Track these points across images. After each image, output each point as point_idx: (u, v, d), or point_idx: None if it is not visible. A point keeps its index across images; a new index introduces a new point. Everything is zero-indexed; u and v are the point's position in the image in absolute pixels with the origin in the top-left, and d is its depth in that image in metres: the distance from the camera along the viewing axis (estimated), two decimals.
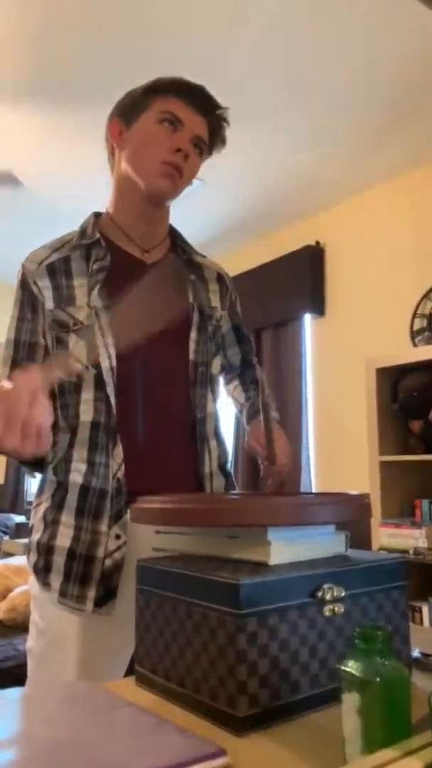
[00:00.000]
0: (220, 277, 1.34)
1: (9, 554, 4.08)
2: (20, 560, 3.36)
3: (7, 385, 0.88)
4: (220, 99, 1.19)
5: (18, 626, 2.85)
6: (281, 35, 2.30)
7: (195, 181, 1.26)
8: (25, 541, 4.42)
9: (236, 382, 1.42)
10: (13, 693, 0.76)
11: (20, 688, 0.79)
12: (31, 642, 1.16)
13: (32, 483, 5.28)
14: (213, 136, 1.21)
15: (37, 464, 1.15)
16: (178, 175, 1.16)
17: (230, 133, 1.23)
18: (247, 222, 3.94)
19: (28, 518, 4.80)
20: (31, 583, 1.18)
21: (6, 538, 4.71)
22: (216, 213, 3.81)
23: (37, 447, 0.88)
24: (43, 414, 0.87)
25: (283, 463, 1.18)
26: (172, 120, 1.14)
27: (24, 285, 1.19)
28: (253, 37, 2.31)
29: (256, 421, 1.28)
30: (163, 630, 0.80)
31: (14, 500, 5.56)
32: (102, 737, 0.61)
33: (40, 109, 2.76)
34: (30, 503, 5.18)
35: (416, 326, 3.07)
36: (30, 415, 0.85)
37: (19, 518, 4.92)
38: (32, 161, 3.23)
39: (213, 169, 3.22)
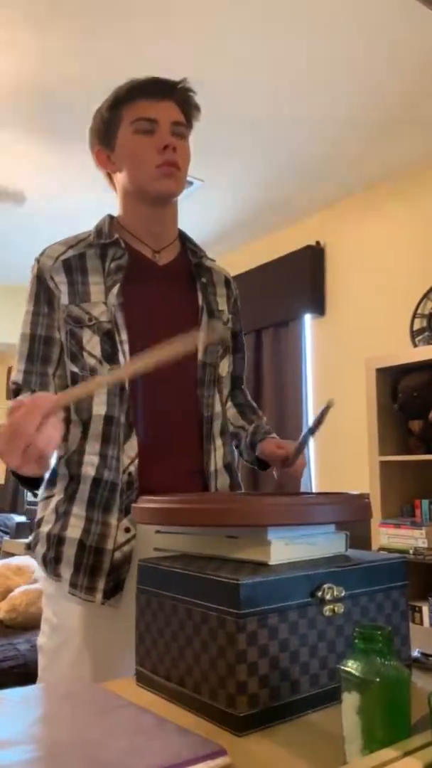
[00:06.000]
0: (228, 283, 1.36)
1: (9, 554, 4.08)
2: (20, 560, 3.36)
3: (19, 404, 0.88)
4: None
5: (18, 626, 2.85)
6: (280, 33, 2.30)
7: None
8: (25, 540, 4.42)
9: (228, 404, 1.41)
10: (14, 693, 0.76)
11: (21, 688, 0.79)
12: (43, 639, 1.16)
13: None
14: (186, 110, 1.23)
15: (32, 481, 1.12)
16: (177, 169, 1.18)
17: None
18: (247, 222, 3.93)
19: (28, 518, 4.81)
20: (42, 581, 1.19)
21: (6, 538, 4.71)
22: (216, 213, 3.81)
23: (36, 470, 0.88)
24: (48, 440, 0.87)
25: (301, 464, 1.25)
26: (146, 123, 1.17)
27: (40, 280, 1.20)
28: (252, 36, 2.31)
29: (272, 438, 1.31)
30: (164, 630, 0.80)
31: (14, 500, 5.56)
32: (102, 737, 0.61)
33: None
34: (30, 503, 5.19)
35: (416, 326, 3.06)
36: (35, 440, 0.85)
37: (20, 518, 4.92)
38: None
39: (213, 169, 3.25)
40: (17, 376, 1.20)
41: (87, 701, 0.72)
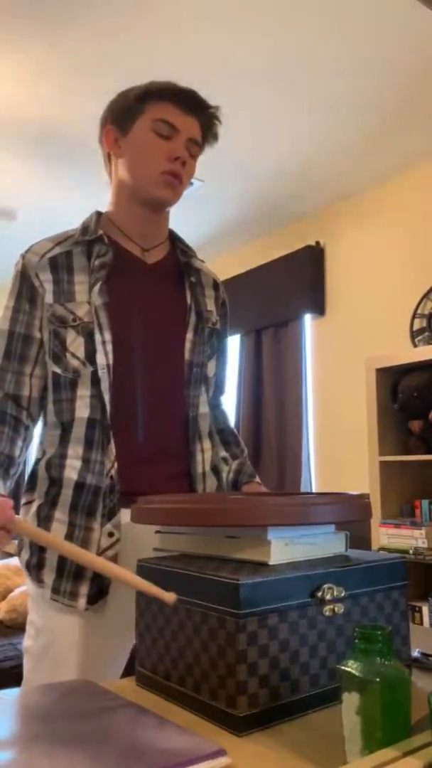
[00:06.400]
0: (216, 285, 1.35)
1: (9, 554, 4.07)
2: None
3: None
4: (220, 100, 1.19)
5: (18, 626, 2.85)
6: (280, 34, 2.30)
7: (195, 182, 1.27)
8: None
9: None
10: (13, 693, 0.76)
11: (19, 688, 0.79)
12: (28, 641, 1.16)
13: None
14: (205, 134, 1.23)
15: None
16: (178, 183, 1.18)
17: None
18: (247, 222, 3.93)
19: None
20: (28, 583, 1.19)
21: None
22: (216, 213, 3.81)
23: None
24: None
25: None
26: (167, 127, 1.16)
27: (24, 276, 1.17)
28: (251, 37, 2.31)
29: (255, 484, 1.32)
30: (164, 630, 0.80)
31: (14, 500, 5.56)
32: (102, 737, 0.61)
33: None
34: None
35: (416, 326, 3.07)
36: None
37: None
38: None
39: (213, 169, 3.25)
40: None
41: (86, 701, 0.72)
